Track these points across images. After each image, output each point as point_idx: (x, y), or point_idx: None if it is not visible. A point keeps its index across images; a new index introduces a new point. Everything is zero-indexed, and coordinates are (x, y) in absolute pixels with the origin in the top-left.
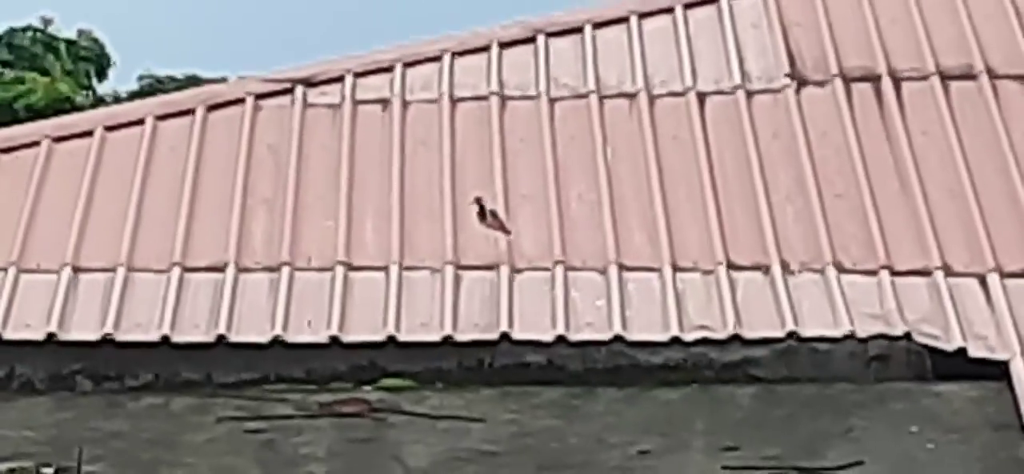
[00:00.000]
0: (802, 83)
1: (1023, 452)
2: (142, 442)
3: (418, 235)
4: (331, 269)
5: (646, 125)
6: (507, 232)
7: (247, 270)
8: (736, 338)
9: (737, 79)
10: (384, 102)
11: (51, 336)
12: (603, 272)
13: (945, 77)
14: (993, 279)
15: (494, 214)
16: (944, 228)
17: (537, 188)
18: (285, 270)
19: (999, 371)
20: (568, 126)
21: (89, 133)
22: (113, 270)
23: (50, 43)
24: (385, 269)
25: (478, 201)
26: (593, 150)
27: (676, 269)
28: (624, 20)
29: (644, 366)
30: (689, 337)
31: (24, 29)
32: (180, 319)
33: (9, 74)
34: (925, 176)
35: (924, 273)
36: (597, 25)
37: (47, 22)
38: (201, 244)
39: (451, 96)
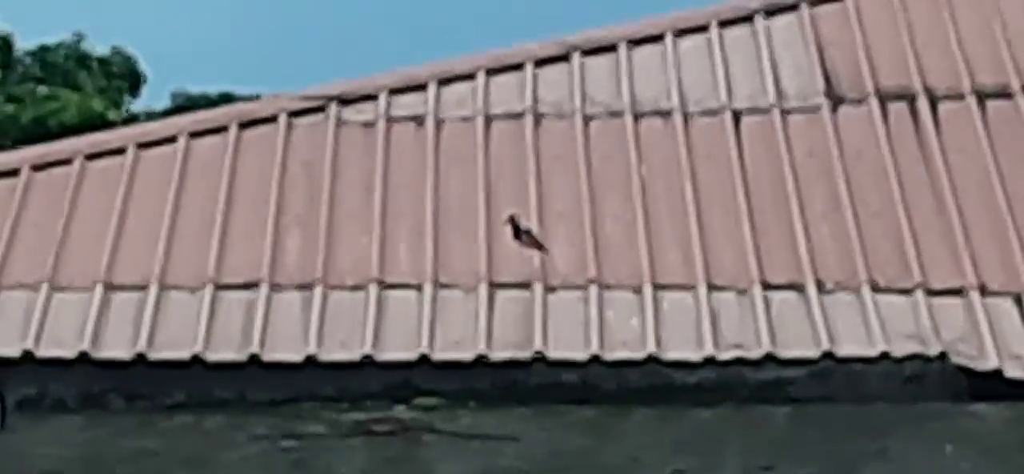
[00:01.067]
0: (838, 102)
1: None
2: (175, 461)
3: (452, 253)
4: (364, 287)
5: (681, 143)
6: (543, 250)
7: (280, 288)
8: (771, 358)
9: (772, 98)
10: (418, 119)
11: (83, 354)
12: (638, 291)
13: (981, 96)
14: None
15: (529, 232)
16: (980, 247)
17: (571, 206)
18: (318, 288)
19: None
20: (603, 144)
21: (122, 150)
22: (146, 288)
23: (83, 60)
24: (419, 287)
25: (512, 219)
26: (628, 168)
27: (711, 288)
28: (659, 38)
29: (679, 385)
30: (724, 356)
31: (57, 46)
32: (213, 337)
33: (42, 90)
34: (961, 195)
35: (960, 293)
36: (632, 43)
37: (79, 38)
38: (234, 262)
39: (486, 114)
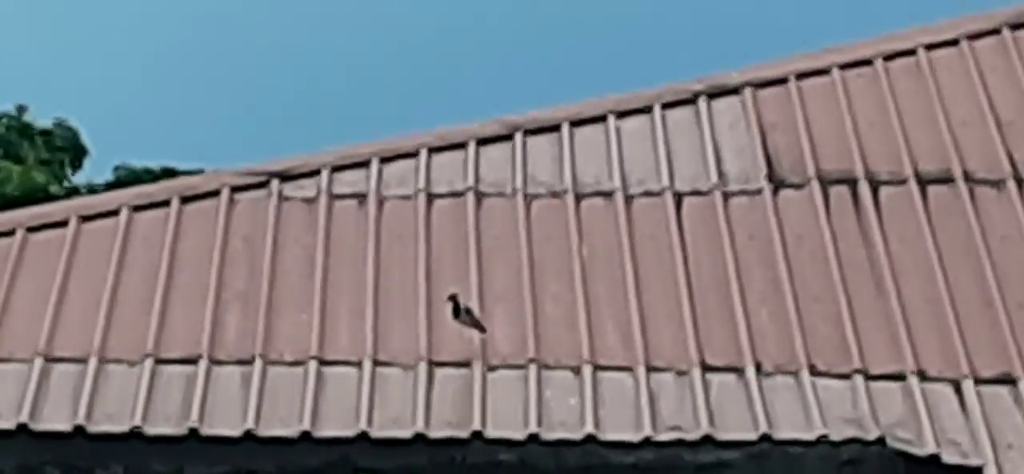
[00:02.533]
0: (779, 185)
1: None
2: None
3: (392, 331)
4: (304, 363)
5: (622, 224)
6: (481, 330)
7: (220, 363)
8: (709, 440)
9: (714, 180)
10: (360, 197)
11: (22, 426)
12: (577, 371)
13: (923, 181)
14: (967, 385)
15: (468, 311)
16: (919, 333)
17: (512, 286)
18: (258, 363)
19: None
20: (544, 224)
21: (64, 223)
22: (85, 361)
23: (25, 131)
24: (358, 365)
25: (453, 298)
26: (569, 249)
27: (650, 369)
28: (602, 119)
29: (616, 466)
30: (662, 438)
31: None
32: (152, 411)
33: None
34: (901, 280)
35: (898, 378)
36: (575, 123)
37: (22, 110)
38: (174, 336)
39: (427, 192)
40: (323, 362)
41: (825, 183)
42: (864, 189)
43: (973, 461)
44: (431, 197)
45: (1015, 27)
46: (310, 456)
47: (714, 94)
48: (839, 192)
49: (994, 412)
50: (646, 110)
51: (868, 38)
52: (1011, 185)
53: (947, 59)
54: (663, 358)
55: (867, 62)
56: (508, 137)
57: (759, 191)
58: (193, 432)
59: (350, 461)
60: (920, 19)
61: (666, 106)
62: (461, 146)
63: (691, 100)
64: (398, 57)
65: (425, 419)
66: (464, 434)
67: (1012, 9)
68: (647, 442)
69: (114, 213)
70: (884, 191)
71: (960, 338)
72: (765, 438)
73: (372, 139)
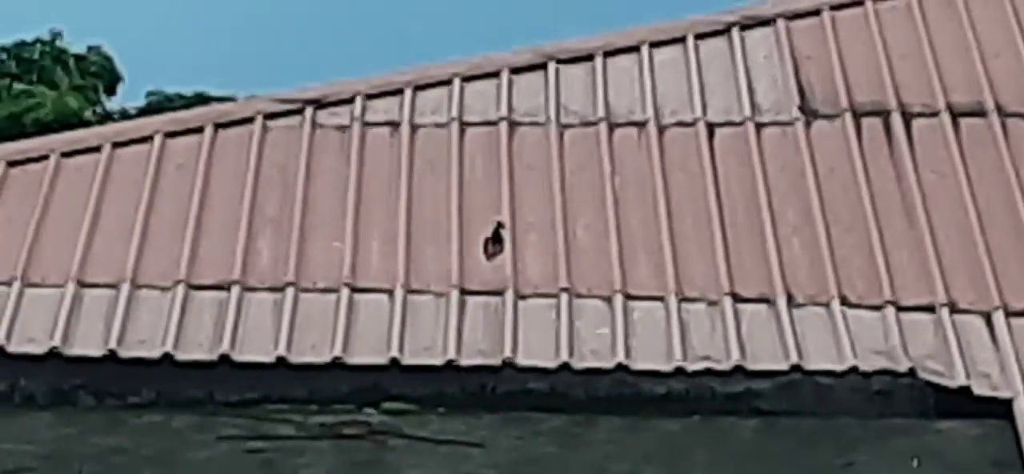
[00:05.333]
0: (812, 117)
1: None
2: (143, 459)
3: (424, 259)
4: (336, 290)
5: (655, 155)
6: (497, 251)
7: (252, 289)
8: (739, 370)
9: (747, 111)
10: (393, 125)
11: (54, 351)
12: (608, 300)
13: (955, 114)
14: (998, 317)
15: (496, 239)
16: (950, 265)
17: (544, 215)
18: (290, 290)
19: (1002, 409)
20: (577, 154)
21: (97, 149)
22: (117, 286)
23: (60, 57)
24: (390, 292)
25: (499, 227)
26: (601, 178)
27: (681, 299)
28: (635, 49)
29: (647, 395)
30: (693, 367)
31: (33, 42)
32: (183, 337)
33: (18, 87)
34: (933, 212)
35: (929, 309)
36: (608, 53)
37: (56, 35)
38: (207, 262)
39: (460, 120)
40: (355, 289)
41: (858, 115)
42: (896, 121)
43: (1003, 393)
44: (464, 125)
45: None
46: (341, 383)
47: (747, 25)
48: (871, 124)
49: None
50: (679, 40)
51: None
52: None
53: None
54: (694, 288)
55: None
56: (541, 66)
57: (792, 123)
58: (224, 358)
59: (381, 388)
60: None
61: (699, 37)
62: (494, 75)
63: (724, 31)
64: None
65: (456, 347)
66: (495, 362)
67: None
68: (678, 372)
69: (148, 139)
70: (916, 123)
71: (991, 271)
72: (796, 368)
73: (406, 67)
